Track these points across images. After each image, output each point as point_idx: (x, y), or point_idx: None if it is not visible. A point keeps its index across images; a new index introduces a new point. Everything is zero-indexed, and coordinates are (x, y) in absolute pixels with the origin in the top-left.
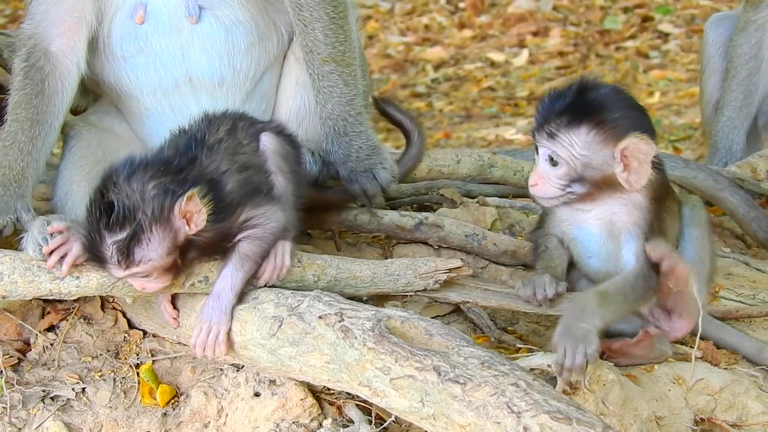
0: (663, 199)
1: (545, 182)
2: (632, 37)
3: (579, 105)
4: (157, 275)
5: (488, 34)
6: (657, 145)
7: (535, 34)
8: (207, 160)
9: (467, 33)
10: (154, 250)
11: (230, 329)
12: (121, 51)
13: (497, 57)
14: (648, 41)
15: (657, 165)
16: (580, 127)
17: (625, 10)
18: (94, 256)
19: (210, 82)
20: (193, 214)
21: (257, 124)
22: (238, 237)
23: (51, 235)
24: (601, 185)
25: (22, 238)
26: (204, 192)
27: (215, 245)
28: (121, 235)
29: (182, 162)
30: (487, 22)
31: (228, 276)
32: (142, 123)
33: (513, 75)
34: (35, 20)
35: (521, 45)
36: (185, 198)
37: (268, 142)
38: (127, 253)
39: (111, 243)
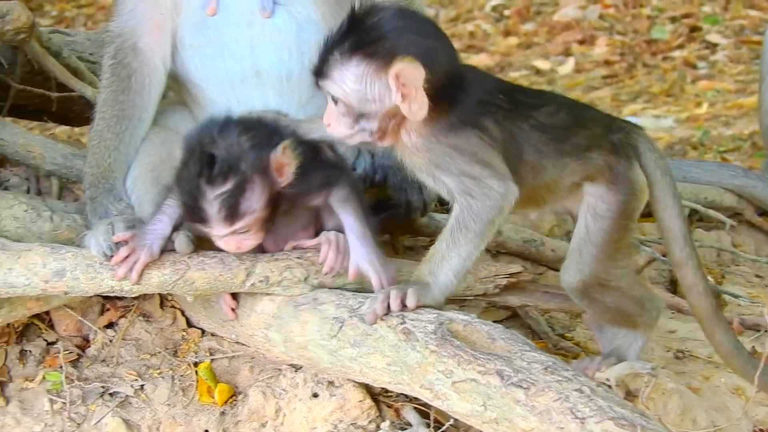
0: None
1: (335, 122)
2: (680, 47)
3: (349, 36)
4: (254, 231)
5: (534, 42)
6: (430, 69)
7: (581, 42)
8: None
9: (512, 41)
10: (256, 201)
11: None
12: (191, 39)
13: (543, 65)
14: (696, 51)
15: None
16: (351, 60)
17: (673, 19)
18: (195, 216)
19: (277, 76)
20: (284, 165)
21: None
22: (318, 196)
23: (116, 243)
24: (390, 120)
25: (85, 234)
26: (294, 145)
27: (299, 201)
28: (226, 187)
29: (267, 120)
30: (532, 30)
31: (351, 220)
32: (207, 114)
33: (558, 83)
34: (122, 18)
35: (567, 53)
36: (280, 148)
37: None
38: (232, 206)
39: (215, 197)
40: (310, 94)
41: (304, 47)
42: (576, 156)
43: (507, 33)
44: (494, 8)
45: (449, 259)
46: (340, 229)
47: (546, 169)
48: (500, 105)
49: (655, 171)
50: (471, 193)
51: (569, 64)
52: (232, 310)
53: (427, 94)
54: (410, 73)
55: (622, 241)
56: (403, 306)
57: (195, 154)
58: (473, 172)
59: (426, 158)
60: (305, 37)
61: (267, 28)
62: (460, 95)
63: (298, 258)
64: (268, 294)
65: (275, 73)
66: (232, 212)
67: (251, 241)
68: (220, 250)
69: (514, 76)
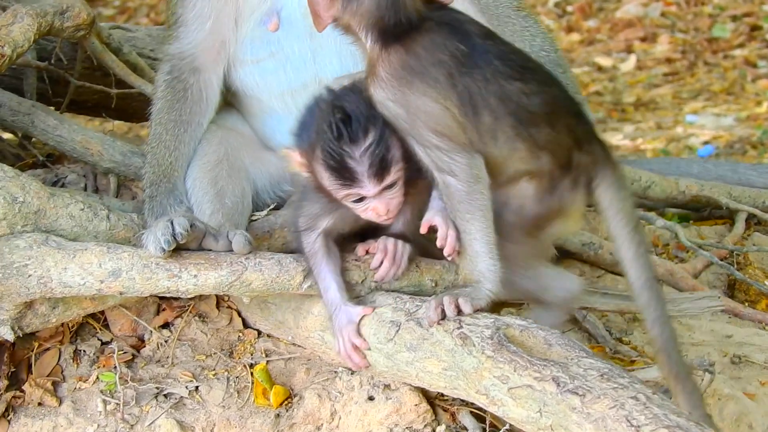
0: None
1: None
2: (740, 45)
3: None
4: (399, 186)
5: (596, 39)
6: None
7: (642, 39)
8: None
9: (575, 37)
10: (397, 150)
11: None
12: (252, 56)
13: (604, 62)
14: (756, 50)
15: None
16: None
17: (734, 18)
18: (344, 179)
19: None
20: None
21: None
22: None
23: (173, 236)
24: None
25: (142, 234)
26: None
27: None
28: (369, 140)
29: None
30: (594, 27)
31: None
32: (263, 122)
33: (620, 80)
34: (181, 43)
35: (629, 50)
36: None
37: None
38: (381, 159)
39: (361, 153)
40: None
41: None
42: (529, 147)
43: (569, 29)
44: (557, 4)
45: (473, 247)
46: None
47: (498, 141)
48: (457, 57)
49: (610, 209)
50: (443, 169)
51: (631, 62)
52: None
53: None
54: None
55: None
56: (459, 311)
57: (329, 120)
58: (439, 145)
59: (395, 113)
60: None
61: (329, 38)
62: (413, 39)
63: (356, 260)
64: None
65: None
66: (381, 165)
67: (397, 199)
68: (277, 251)
69: (576, 72)
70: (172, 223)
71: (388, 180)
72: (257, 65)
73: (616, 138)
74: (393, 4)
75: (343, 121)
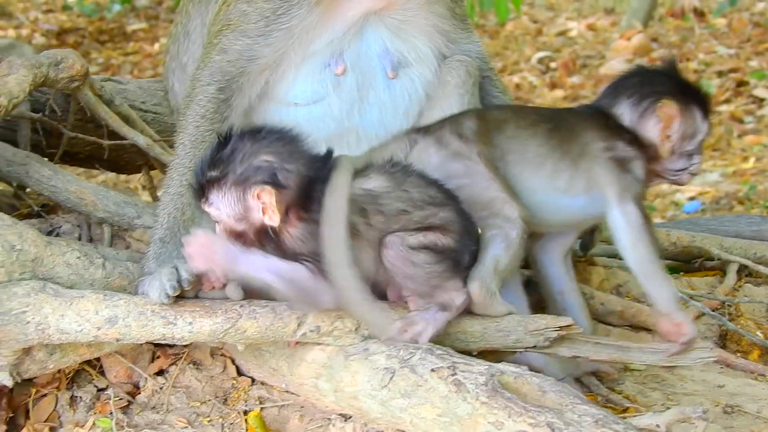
0: None
1: None
2: (727, 101)
3: None
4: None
5: (580, 95)
6: None
7: None
8: None
9: (559, 93)
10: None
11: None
12: (299, 98)
13: None
14: (743, 106)
15: None
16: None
17: (720, 74)
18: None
19: (376, 134)
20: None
21: None
22: None
23: (179, 282)
24: None
25: (143, 280)
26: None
27: None
28: (213, 174)
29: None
30: (578, 83)
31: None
32: None
33: None
34: (229, 55)
35: None
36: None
37: None
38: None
39: (203, 172)
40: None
41: (413, 107)
42: None
43: (553, 85)
44: (540, 60)
45: None
46: None
47: None
48: None
49: None
50: None
51: None
52: None
53: None
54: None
55: None
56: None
57: (219, 139)
58: None
59: None
60: (417, 97)
61: (378, 89)
62: None
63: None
64: (318, 344)
65: (374, 131)
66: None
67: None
68: (271, 299)
69: None
70: (177, 270)
71: (207, 209)
72: (300, 108)
73: None
74: None
75: (218, 146)
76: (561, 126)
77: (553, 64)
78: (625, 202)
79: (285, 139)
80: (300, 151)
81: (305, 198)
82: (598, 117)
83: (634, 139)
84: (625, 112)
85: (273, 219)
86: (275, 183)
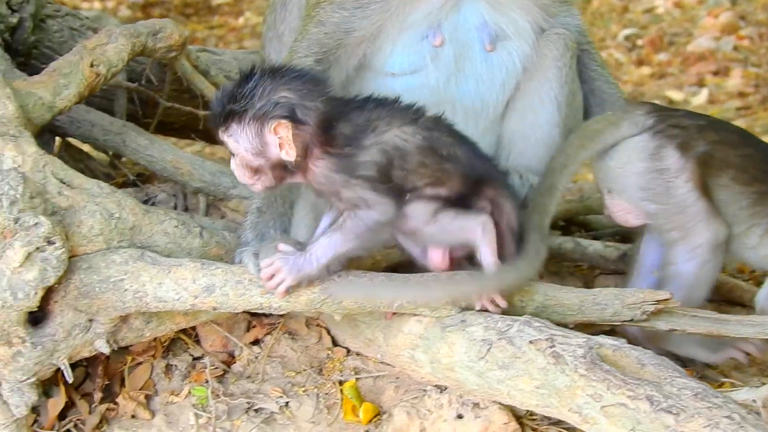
0: None
1: None
2: None
3: None
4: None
5: (667, 72)
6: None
7: (715, 73)
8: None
9: (645, 70)
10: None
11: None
12: (397, 69)
13: (676, 95)
14: None
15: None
16: None
17: None
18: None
19: (472, 107)
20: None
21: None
22: None
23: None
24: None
25: (243, 251)
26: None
27: None
28: (234, 107)
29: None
30: (666, 60)
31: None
32: None
33: None
34: (326, 26)
35: (701, 84)
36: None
37: None
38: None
39: (223, 104)
40: (488, 125)
41: (510, 80)
42: None
43: (640, 63)
44: (627, 37)
45: None
46: None
47: None
48: None
49: None
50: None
51: (703, 95)
52: None
53: None
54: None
55: None
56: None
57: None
58: None
59: None
60: (515, 70)
61: (474, 60)
62: None
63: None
64: (415, 315)
65: (470, 103)
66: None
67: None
68: (368, 270)
69: None
70: (256, 255)
71: (224, 138)
72: (397, 78)
73: None
74: None
75: (242, 79)
76: None
77: (639, 42)
78: None
79: (305, 78)
80: (320, 89)
81: (327, 135)
82: None
83: None
84: None
85: (290, 153)
86: (293, 118)
